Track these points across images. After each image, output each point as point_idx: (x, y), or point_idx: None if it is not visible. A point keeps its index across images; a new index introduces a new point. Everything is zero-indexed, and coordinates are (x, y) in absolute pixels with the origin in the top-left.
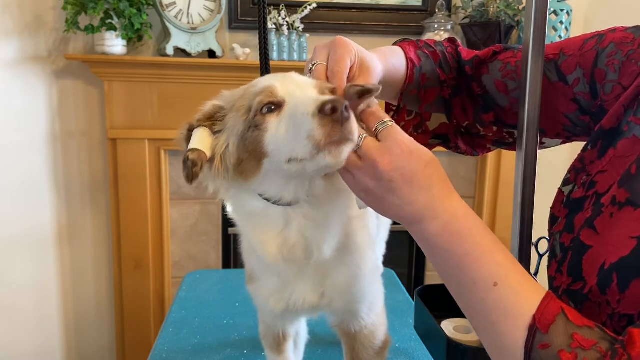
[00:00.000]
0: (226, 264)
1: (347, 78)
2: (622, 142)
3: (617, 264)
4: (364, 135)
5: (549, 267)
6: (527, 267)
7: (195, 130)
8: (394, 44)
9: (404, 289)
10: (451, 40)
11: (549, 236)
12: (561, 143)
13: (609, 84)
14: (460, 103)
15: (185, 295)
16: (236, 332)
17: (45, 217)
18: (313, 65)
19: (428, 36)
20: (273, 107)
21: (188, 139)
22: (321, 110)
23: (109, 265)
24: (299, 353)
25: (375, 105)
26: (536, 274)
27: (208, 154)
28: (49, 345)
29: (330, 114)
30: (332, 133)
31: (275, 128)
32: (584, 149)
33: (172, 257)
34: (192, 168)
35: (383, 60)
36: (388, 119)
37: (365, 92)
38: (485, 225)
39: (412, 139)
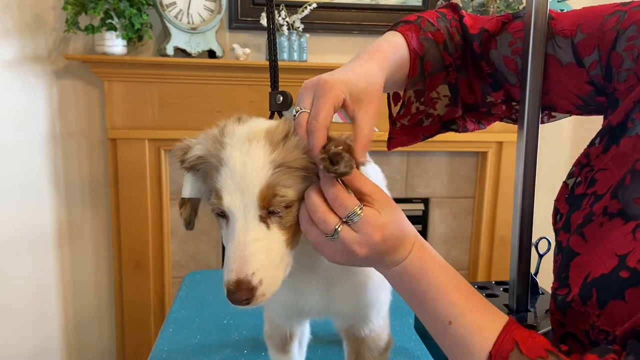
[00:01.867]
0: None
1: (349, 116)
2: (625, 139)
3: (597, 279)
4: (339, 227)
5: (553, 265)
6: (527, 267)
7: (185, 175)
8: (393, 26)
9: None
10: (454, 9)
11: (554, 232)
12: (569, 116)
13: (624, 72)
14: (467, 82)
15: (185, 295)
16: (236, 332)
17: (45, 217)
18: (297, 112)
19: None
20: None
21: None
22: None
23: (109, 265)
24: (302, 352)
25: (338, 187)
26: (536, 274)
27: (200, 196)
28: (48, 345)
29: None
30: (235, 304)
31: (223, 233)
32: (590, 145)
33: (172, 257)
34: (187, 224)
35: (385, 64)
36: (357, 207)
37: (339, 176)
38: (444, 265)
39: (385, 218)
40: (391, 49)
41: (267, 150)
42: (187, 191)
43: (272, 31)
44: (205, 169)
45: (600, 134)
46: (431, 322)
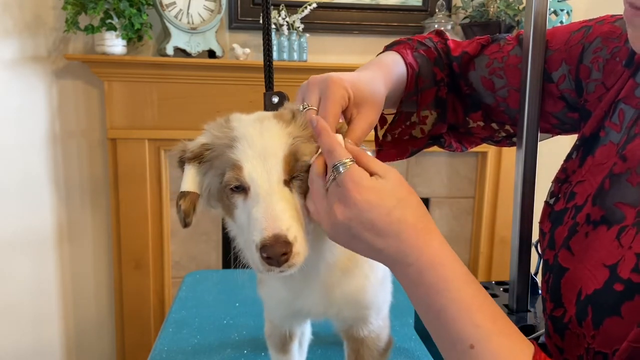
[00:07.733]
0: (226, 264)
1: (345, 118)
2: (599, 149)
3: (591, 296)
4: (332, 177)
5: (541, 286)
6: (527, 267)
7: (186, 167)
8: (388, 47)
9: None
10: (439, 34)
11: (541, 253)
12: (552, 136)
13: (592, 82)
14: (451, 102)
15: (185, 295)
16: (236, 332)
17: (45, 217)
18: (304, 107)
19: None
20: (240, 187)
21: (182, 165)
22: (260, 250)
23: (109, 265)
24: (302, 353)
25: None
26: (536, 274)
27: (199, 192)
28: (48, 345)
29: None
30: (271, 267)
31: (240, 211)
32: (567, 159)
33: (172, 257)
34: (184, 218)
35: (388, 77)
36: (346, 159)
37: None
38: (467, 274)
39: (375, 182)
40: (392, 64)
41: (281, 125)
42: (187, 184)
43: (267, 31)
44: (212, 154)
45: (576, 147)
46: (449, 345)
